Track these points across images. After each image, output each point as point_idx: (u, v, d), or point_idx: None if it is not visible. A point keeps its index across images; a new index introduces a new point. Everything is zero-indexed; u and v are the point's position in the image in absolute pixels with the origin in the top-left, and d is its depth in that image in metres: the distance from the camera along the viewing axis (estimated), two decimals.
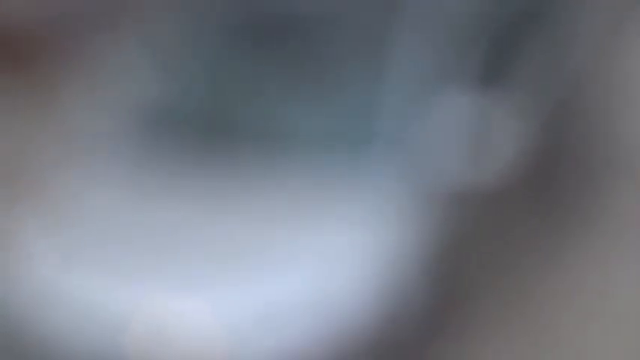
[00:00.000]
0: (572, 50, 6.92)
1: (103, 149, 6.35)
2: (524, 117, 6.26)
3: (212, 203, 6.03)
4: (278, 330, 5.60)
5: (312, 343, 5.59)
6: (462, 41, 6.13)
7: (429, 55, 6.02)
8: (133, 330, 5.74)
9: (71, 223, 6.09)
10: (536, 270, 6.71)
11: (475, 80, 6.17)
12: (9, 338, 6.10)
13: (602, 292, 6.70)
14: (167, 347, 5.67)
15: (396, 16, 6.21)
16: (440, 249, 5.90)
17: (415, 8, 6.17)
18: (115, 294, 5.77)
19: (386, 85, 6.13)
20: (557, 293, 6.75)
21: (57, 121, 7.55)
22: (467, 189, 5.99)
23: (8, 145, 7.96)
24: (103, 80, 6.60)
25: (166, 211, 6.07)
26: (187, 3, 6.78)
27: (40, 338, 5.81)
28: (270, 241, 5.84)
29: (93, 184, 6.24)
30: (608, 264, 6.88)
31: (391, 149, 5.98)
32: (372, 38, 6.22)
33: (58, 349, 5.76)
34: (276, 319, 5.63)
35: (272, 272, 5.73)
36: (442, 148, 5.93)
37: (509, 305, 6.55)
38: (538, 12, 6.56)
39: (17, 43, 7.98)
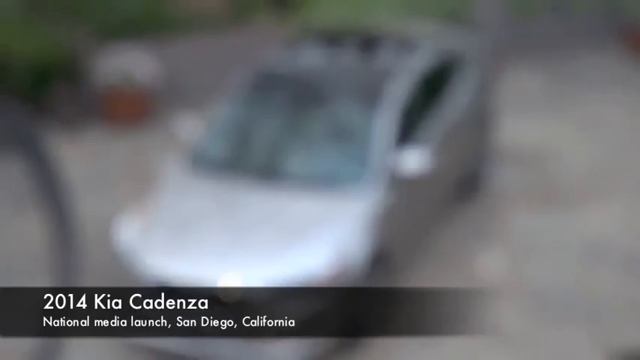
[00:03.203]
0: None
1: (187, 172, 7.79)
2: (433, 147, 7.83)
3: (263, 209, 7.34)
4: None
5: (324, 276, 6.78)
6: (400, 117, 7.79)
7: (388, 125, 7.66)
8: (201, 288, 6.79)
9: (158, 218, 7.41)
10: (443, 231, 8.50)
11: (406, 137, 7.76)
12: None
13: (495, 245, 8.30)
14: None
15: (376, 103, 7.77)
16: (387, 213, 7.41)
17: (382, 99, 7.75)
18: (185, 269, 6.90)
19: (368, 144, 7.61)
20: (462, 247, 8.34)
21: (164, 149, 9.43)
22: (403, 183, 7.56)
23: (132, 164, 9.77)
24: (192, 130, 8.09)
25: (226, 212, 7.35)
26: (241, 89, 8.14)
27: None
28: (299, 218, 7.17)
29: (179, 195, 7.68)
30: (501, 227, 8.57)
31: (369, 171, 7.45)
32: (363, 114, 7.77)
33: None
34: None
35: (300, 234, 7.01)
36: (391, 168, 7.45)
37: (425, 251, 8.25)
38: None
39: (142, 102, 10.49)
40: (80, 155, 9.87)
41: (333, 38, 8.91)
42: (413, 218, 7.79)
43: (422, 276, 7.93)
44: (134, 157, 9.97)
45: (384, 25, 9.76)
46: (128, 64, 10.43)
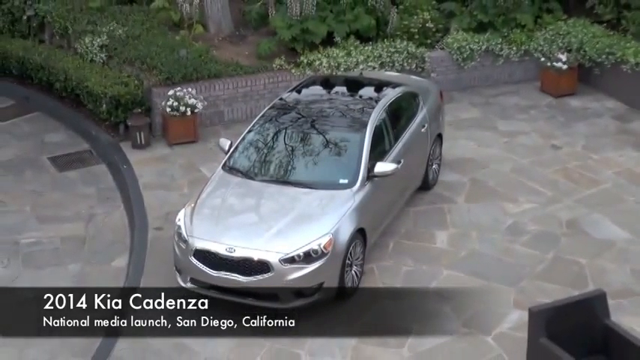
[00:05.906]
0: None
1: (224, 177, 8.78)
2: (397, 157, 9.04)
3: (278, 203, 8.31)
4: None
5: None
6: (376, 136, 8.97)
7: (368, 144, 8.84)
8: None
9: (203, 207, 8.35)
10: (405, 214, 9.70)
11: (380, 150, 9.01)
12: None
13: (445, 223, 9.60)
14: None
15: (360, 127, 8.96)
16: (365, 203, 8.55)
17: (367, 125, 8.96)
18: (221, 246, 7.81)
19: (355, 156, 8.71)
20: (419, 225, 9.58)
21: (208, 160, 10.84)
22: (377, 182, 8.70)
23: (186, 170, 10.93)
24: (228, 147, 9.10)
25: (252, 205, 8.40)
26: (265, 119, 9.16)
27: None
28: (305, 205, 8.28)
29: (218, 193, 8.59)
30: (447, 212, 9.78)
31: (355, 176, 8.56)
32: (351, 135, 8.89)
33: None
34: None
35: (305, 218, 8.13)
36: (369, 173, 8.63)
37: (391, 227, 9.35)
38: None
39: (193, 126, 11.49)
40: (148, 164, 11.05)
41: (330, 81, 10.20)
42: (383, 206, 8.96)
43: (388, 244, 9.10)
44: (187, 165, 11.05)
45: (366, 73, 11.28)
46: (183, 98, 11.39)
